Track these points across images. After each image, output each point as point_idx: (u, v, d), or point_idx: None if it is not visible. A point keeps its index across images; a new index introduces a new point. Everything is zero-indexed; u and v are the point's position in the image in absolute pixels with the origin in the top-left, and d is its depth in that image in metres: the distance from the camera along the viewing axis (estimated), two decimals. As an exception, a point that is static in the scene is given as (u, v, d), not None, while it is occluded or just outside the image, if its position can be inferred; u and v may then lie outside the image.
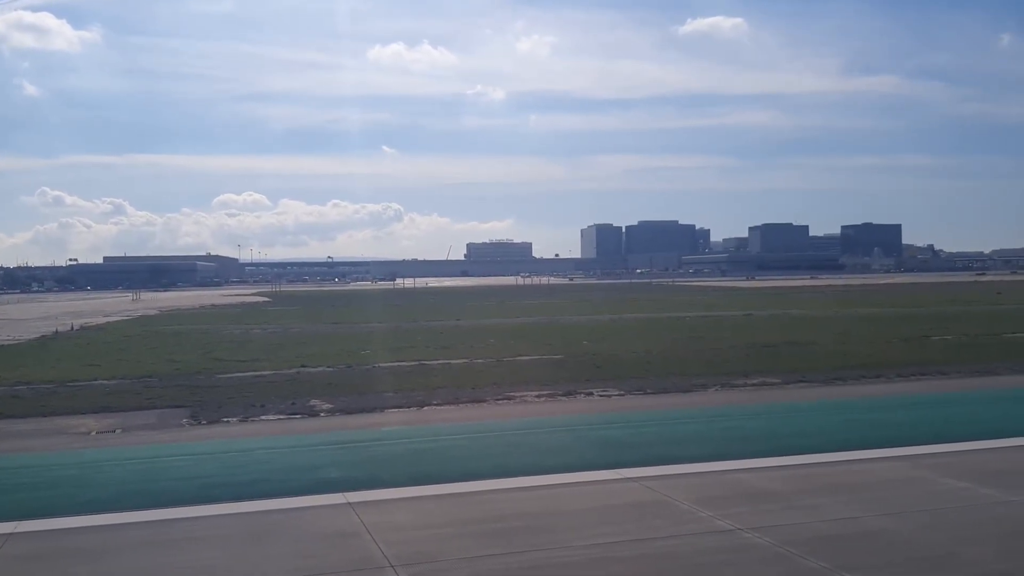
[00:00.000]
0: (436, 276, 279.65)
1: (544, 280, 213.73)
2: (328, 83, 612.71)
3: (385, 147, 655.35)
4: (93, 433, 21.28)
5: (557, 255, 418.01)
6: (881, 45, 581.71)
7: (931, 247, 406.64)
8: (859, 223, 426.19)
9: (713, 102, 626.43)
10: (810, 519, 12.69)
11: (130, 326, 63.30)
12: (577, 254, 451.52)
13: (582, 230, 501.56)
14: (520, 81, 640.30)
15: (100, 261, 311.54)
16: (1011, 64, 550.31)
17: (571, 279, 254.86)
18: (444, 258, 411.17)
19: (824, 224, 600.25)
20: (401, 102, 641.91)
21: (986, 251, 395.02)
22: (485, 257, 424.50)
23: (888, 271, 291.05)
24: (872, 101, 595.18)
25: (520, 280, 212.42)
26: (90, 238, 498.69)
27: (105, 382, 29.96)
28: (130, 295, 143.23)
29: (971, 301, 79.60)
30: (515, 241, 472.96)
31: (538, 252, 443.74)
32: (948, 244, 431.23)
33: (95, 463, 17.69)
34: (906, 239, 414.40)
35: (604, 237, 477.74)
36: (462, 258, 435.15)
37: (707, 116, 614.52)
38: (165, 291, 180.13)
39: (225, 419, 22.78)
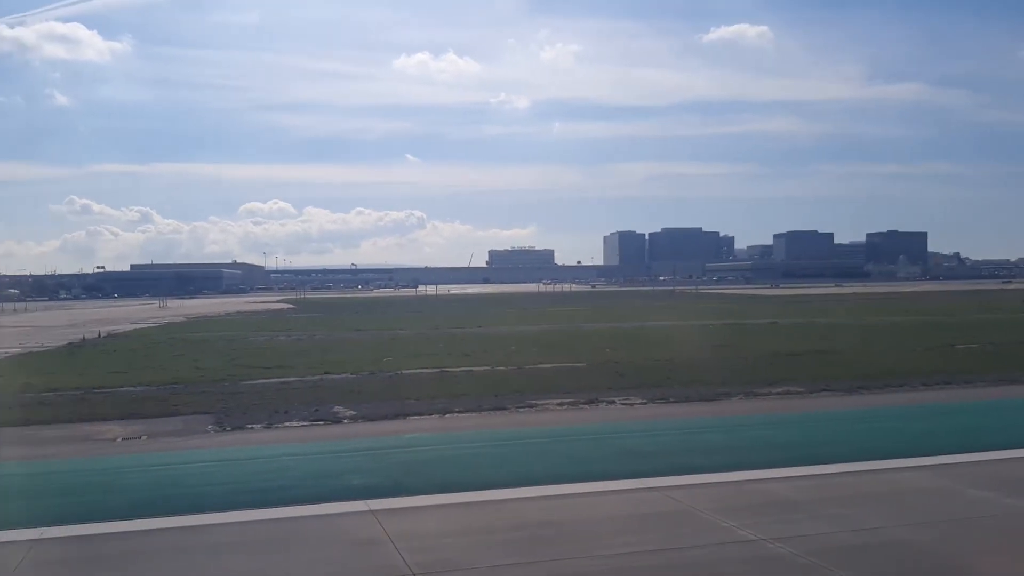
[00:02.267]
0: (458, 283, 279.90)
1: (566, 287, 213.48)
2: (353, 92, 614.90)
3: (409, 155, 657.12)
4: (119, 439, 21.49)
5: (579, 262, 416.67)
6: (904, 53, 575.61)
7: (957, 255, 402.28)
8: (884, 231, 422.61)
9: (736, 109, 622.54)
10: (834, 529, 12.62)
11: (156, 333, 63.88)
12: (600, 261, 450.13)
13: (604, 237, 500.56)
14: (543, 89, 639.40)
15: (127, 269, 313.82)
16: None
17: (593, 286, 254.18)
18: (466, 265, 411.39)
19: (849, 232, 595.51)
20: (425, 111, 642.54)
21: (1012, 259, 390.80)
22: (507, 264, 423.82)
23: (914, 279, 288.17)
24: (896, 109, 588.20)
25: (542, 287, 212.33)
26: (117, 246, 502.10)
27: (131, 389, 30.24)
28: (157, 302, 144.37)
29: (997, 309, 78.80)
30: (537, 248, 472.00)
31: (560, 259, 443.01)
32: (974, 252, 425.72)
33: (121, 469, 17.88)
34: (932, 247, 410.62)
35: (627, 244, 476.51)
36: (484, 265, 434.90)
37: (730, 123, 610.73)
38: (191, 298, 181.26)
39: (249, 425, 22.93)
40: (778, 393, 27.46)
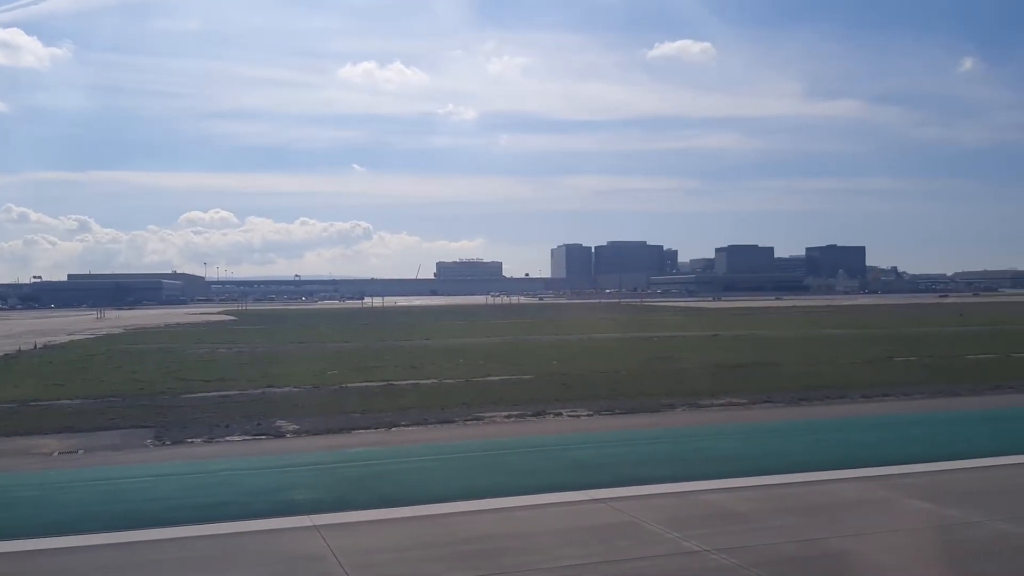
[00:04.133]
0: (405, 295, 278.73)
1: (514, 299, 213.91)
2: (297, 101, 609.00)
3: (355, 165, 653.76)
4: (55, 454, 20.95)
5: (527, 274, 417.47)
6: (842, 70, 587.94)
7: (894, 269, 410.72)
8: (823, 245, 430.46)
9: (679, 125, 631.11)
10: (777, 540, 12.78)
11: (94, 345, 62.48)
12: (547, 274, 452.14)
13: (552, 250, 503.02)
14: (491, 101, 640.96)
15: (64, 279, 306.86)
16: (968, 89, 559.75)
17: (541, 299, 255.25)
18: (414, 277, 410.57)
19: (789, 246, 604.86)
20: (371, 121, 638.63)
21: (948, 273, 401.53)
22: (455, 276, 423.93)
23: (852, 292, 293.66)
24: (835, 125, 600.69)
25: (490, 299, 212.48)
26: (55, 255, 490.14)
27: (68, 402, 29.51)
28: (94, 313, 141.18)
29: (934, 323, 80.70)
30: (485, 260, 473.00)
31: (508, 271, 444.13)
32: (911, 266, 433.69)
33: (57, 484, 17.45)
34: (870, 261, 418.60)
35: (574, 257, 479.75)
36: (432, 277, 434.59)
37: (674, 138, 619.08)
38: (130, 309, 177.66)
39: (190, 440, 22.51)
40: (721, 405, 27.78)
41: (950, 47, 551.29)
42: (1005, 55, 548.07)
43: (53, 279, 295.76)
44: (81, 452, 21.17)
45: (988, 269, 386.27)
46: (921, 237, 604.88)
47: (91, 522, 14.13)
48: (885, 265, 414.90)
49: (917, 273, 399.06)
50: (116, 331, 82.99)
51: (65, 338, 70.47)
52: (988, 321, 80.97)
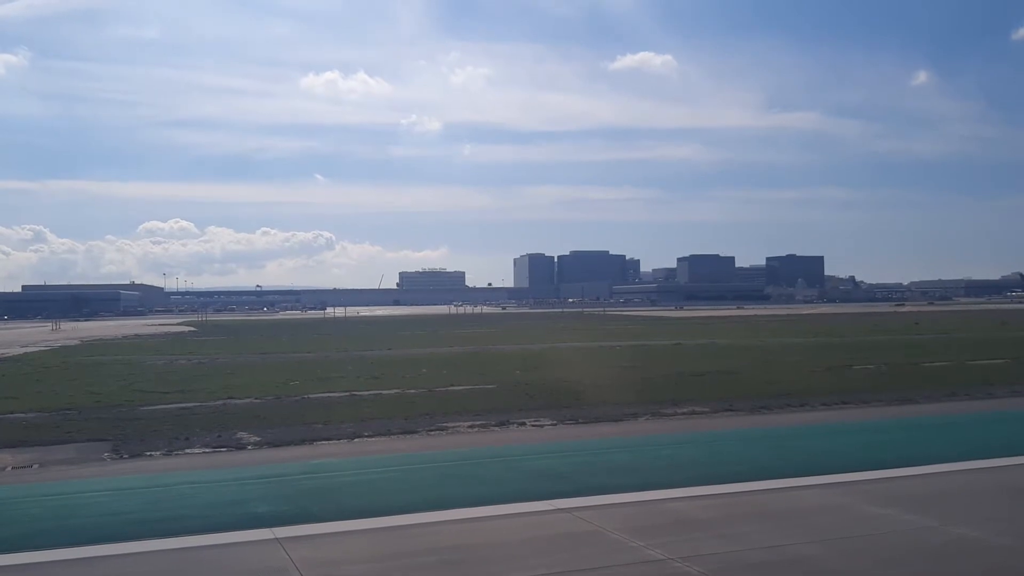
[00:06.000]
0: (368, 305, 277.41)
1: (477, 309, 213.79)
2: (259, 110, 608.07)
3: (317, 175, 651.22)
4: (9, 468, 20.54)
5: (490, 284, 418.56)
6: (801, 83, 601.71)
7: (852, 278, 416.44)
8: (783, 255, 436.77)
9: (641, 135, 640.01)
10: (740, 547, 12.85)
11: (49, 357, 61.32)
12: (510, 283, 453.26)
13: (515, 259, 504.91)
14: (454, 112, 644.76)
15: (18, 290, 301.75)
16: (922, 102, 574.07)
17: (504, 308, 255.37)
18: (376, 287, 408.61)
19: (749, 255, 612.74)
20: (334, 130, 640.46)
21: (904, 283, 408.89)
22: (418, 286, 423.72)
23: (811, 301, 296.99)
24: (793, 136, 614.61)
25: (453, 309, 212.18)
26: (9, 266, 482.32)
27: (22, 415, 28.95)
28: (50, 325, 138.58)
29: (891, 331, 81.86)
30: (448, 270, 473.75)
31: (471, 281, 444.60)
32: (868, 276, 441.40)
33: (11, 499, 17.08)
34: (828, 270, 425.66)
35: (536, 266, 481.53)
36: (395, 287, 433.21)
37: (635, 149, 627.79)
38: (87, 321, 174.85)
39: (148, 453, 22.18)
40: (683, 413, 27.94)
41: (905, 61, 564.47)
42: (956, 69, 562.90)
43: (6, 290, 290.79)
44: (36, 466, 20.77)
45: (943, 278, 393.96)
46: (878, 247, 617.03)
47: (46, 538, 13.84)
48: (843, 274, 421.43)
49: (874, 282, 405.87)
50: (72, 343, 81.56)
51: (19, 350, 69.13)
52: (943, 329, 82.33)
